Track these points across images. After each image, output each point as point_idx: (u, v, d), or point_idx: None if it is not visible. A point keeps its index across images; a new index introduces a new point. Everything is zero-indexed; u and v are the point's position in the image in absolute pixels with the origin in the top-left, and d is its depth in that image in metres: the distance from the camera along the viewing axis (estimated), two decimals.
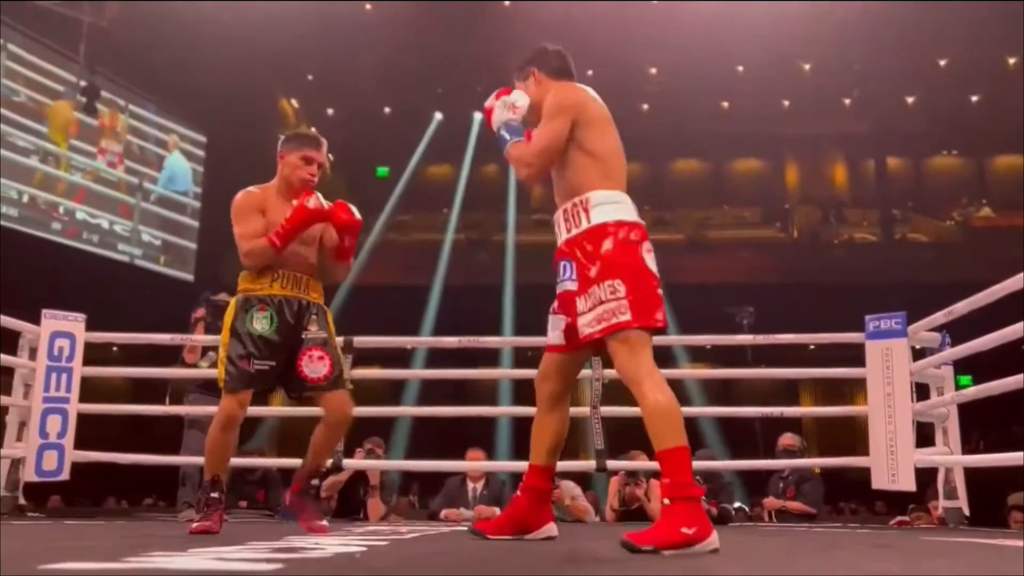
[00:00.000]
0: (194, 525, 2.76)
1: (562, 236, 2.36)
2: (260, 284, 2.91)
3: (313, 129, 3.10)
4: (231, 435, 2.91)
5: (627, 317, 2.17)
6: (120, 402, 5.65)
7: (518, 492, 2.57)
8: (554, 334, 2.43)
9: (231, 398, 2.86)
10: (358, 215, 2.98)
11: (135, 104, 13.24)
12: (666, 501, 2.02)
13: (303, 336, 2.92)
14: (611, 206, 2.30)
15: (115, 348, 8.68)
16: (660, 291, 2.26)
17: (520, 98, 2.49)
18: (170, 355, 5.10)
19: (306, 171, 3.03)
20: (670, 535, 1.94)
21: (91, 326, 4.51)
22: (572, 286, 2.28)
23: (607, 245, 2.24)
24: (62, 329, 4.41)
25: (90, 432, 4.65)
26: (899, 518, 5.36)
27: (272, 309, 2.89)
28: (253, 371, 2.85)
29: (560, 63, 2.57)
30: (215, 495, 2.85)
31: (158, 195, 13.58)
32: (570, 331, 2.35)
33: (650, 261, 2.27)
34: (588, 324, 2.22)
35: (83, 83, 11.50)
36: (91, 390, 4.64)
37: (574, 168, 2.36)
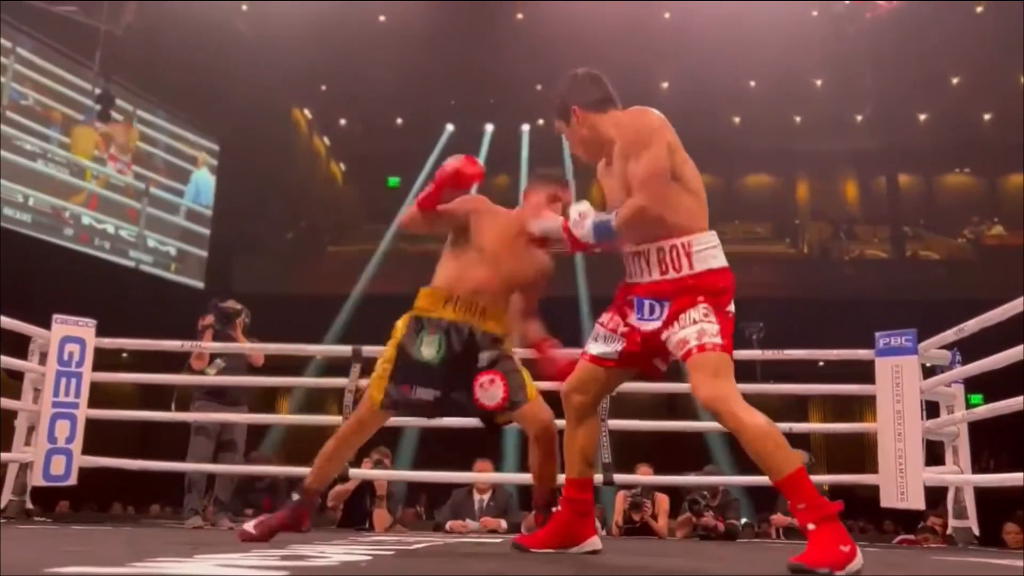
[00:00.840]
0: (243, 527, 2.67)
1: (652, 276, 2.24)
2: (430, 305, 2.71)
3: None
4: (347, 452, 2.83)
5: (719, 340, 2.15)
6: (129, 408, 5.67)
7: (559, 506, 2.53)
8: (607, 348, 2.35)
9: (364, 418, 2.72)
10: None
11: (148, 112, 13.36)
12: (811, 527, 1.95)
13: (476, 365, 2.69)
14: (711, 250, 2.25)
15: (125, 354, 8.71)
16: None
17: (580, 206, 2.32)
18: (179, 362, 5.12)
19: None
20: (835, 555, 1.89)
21: (101, 332, 4.53)
22: (657, 325, 2.21)
23: (706, 287, 2.21)
24: (72, 334, 4.43)
25: (98, 437, 4.66)
26: (902, 536, 5.31)
27: (440, 334, 2.66)
28: (413, 398, 2.65)
29: (601, 92, 2.42)
30: (297, 497, 2.76)
31: (186, 208, 13.76)
32: (629, 353, 2.32)
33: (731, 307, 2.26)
34: (684, 341, 2.17)
35: (98, 91, 11.61)
36: (100, 396, 4.66)
37: (672, 204, 2.23)
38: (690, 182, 2.27)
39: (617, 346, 2.31)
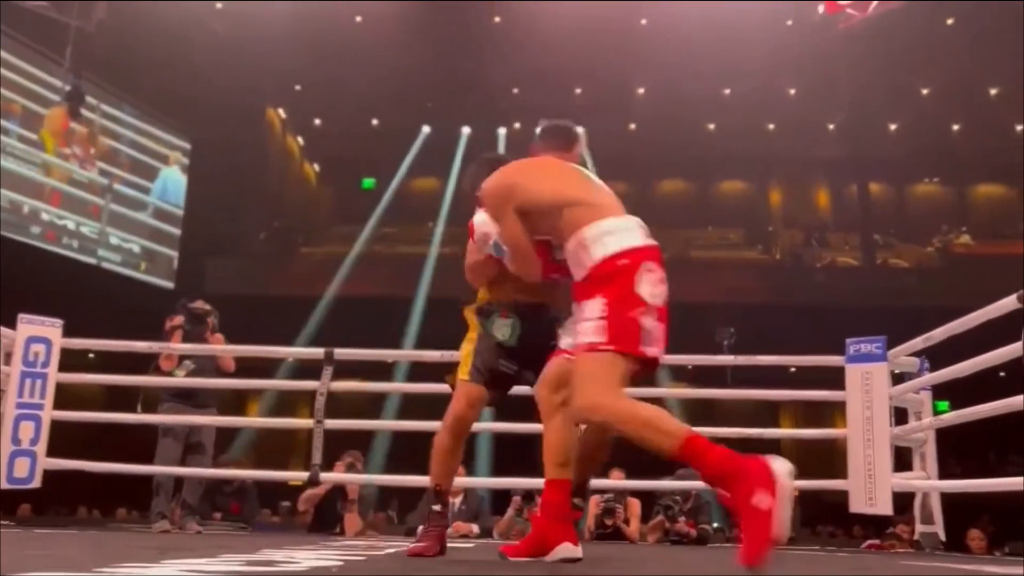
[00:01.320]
0: (411, 546, 2.53)
1: (576, 277, 2.26)
2: (497, 292, 2.68)
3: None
4: (459, 441, 2.64)
5: (600, 339, 2.07)
6: (95, 410, 5.58)
7: (536, 511, 2.47)
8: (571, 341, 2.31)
9: (462, 398, 2.62)
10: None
11: (119, 109, 13.18)
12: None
13: (551, 343, 2.58)
14: (606, 237, 2.20)
15: (91, 355, 8.58)
16: (650, 320, 2.13)
17: (485, 226, 2.49)
18: (147, 363, 5.05)
19: None
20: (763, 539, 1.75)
21: (68, 332, 4.46)
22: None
23: (599, 276, 2.16)
24: (38, 334, 4.35)
25: (64, 439, 4.58)
26: (870, 541, 5.37)
27: (513, 316, 2.62)
28: (498, 369, 2.62)
29: (491, 167, 2.55)
30: (437, 507, 2.59)
31: (153, 207, 13.58)
32: None
33: (644, 288, 2.13)
34: (576, 340, 2.15)
35: (67, 87, 11.43)
36: (65, 397, 4.58)
37: (558, 226, 2.29)
38: (566, 199, 2.30)
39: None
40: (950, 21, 13.22)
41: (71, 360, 4.63)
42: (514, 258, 2.43)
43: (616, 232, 2.22)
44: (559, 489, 2.39)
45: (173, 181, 14.06)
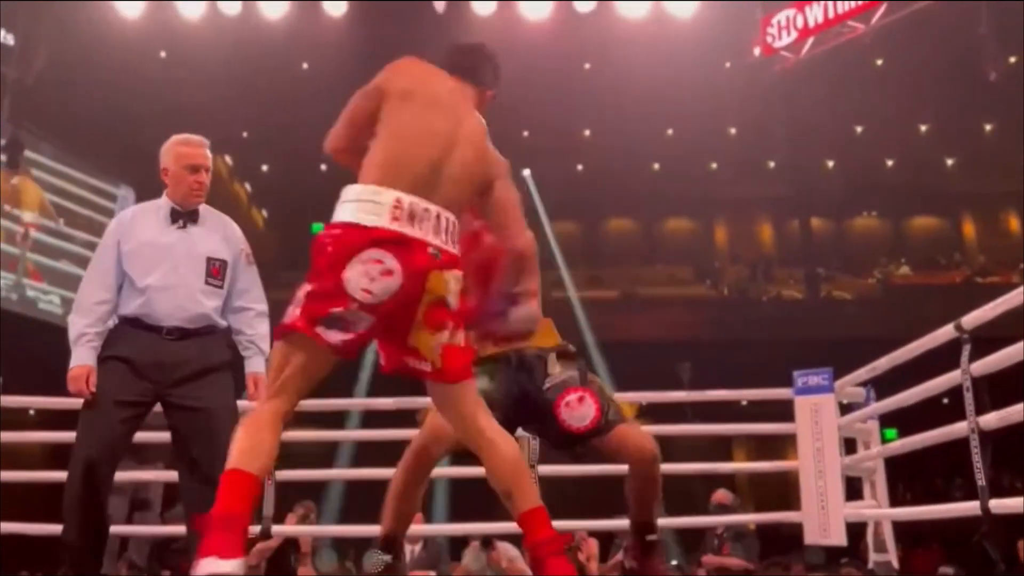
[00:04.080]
0: None
1: None
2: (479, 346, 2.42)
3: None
4: (415, 479, 2.45)
5: (285, 321, 1.91)
6: (36, 469, 5.37)
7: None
8: None
9: (441, 429, 2.36)
10: None
11: (58, 161, 12.92)
12: None
13: (545, 385, 2.34)
14: (349, 204, 1.95)
15: (32, 412, 8.29)
16: (343, 302, 1.85)
17: None
18: None
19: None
20: None
21: (9, 389, 4.31)
22: None
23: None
24: None
25: (2, 501, 4.40)
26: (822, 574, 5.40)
27: (489, 365, 2.36)
28: None
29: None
30: (387, 558, 2.40)
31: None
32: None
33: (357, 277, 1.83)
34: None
35: (3, 141, 11.19)
36: (5, 456, 4.41)
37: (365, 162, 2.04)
38: (381, 137, 2.01)
39: None
40: (879, 62, 13.80)
41: (11, 418, 4.47)
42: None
43: (369, 203, 1.90)
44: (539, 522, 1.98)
45: None
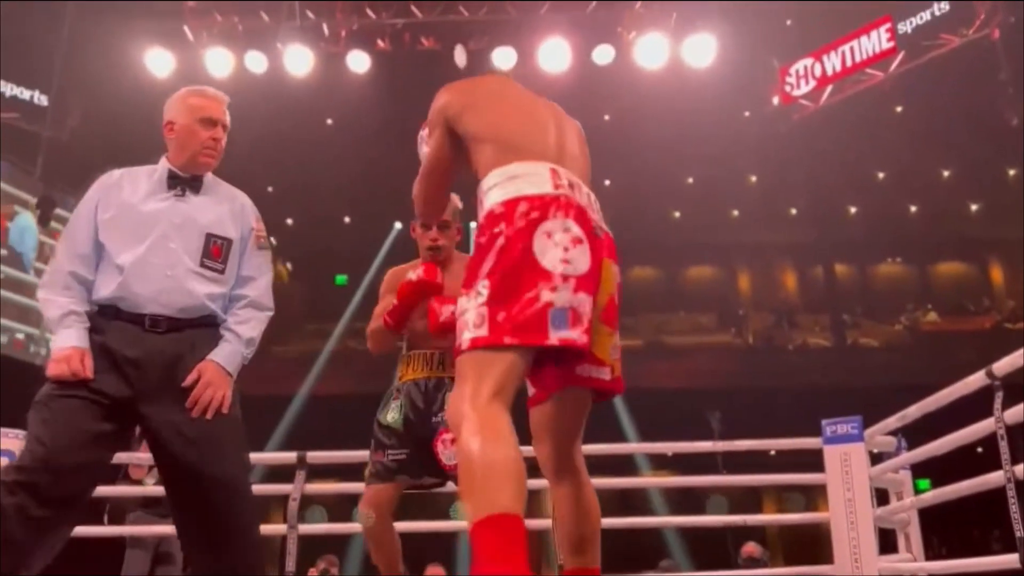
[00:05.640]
0: None
1: None
2: (400, 371, 2.65)
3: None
4: (385, 530, 2.53)
5: (479, 333, 1.49)
6: None
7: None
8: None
9: (368, 497, 2.56)
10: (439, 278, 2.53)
11: None
12: None
13: (433, 420, 2.48)
14: (506, 182, 1.63)
15: None
16: (566, 298, 1.51)
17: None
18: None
19: (426, 239, 2.74)
20: None
21: None
22: None
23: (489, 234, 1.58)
24: (4, 447, 4.22)
25: None
26: None
27: (403, 398, 2.57)
28: (388, 462, 2.53)
29: None
30: None
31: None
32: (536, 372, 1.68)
33: (549, 249, 1.52)
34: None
35: (34, 200, 11.44)
36: None
37: (476, 161, 1.77)
38: (494, 134, 1.77)
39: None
40: (899, 109, 13.83)
41: None
42: (419, 179, 1.95)
43: (523, 176, 1.63)
44: None
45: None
